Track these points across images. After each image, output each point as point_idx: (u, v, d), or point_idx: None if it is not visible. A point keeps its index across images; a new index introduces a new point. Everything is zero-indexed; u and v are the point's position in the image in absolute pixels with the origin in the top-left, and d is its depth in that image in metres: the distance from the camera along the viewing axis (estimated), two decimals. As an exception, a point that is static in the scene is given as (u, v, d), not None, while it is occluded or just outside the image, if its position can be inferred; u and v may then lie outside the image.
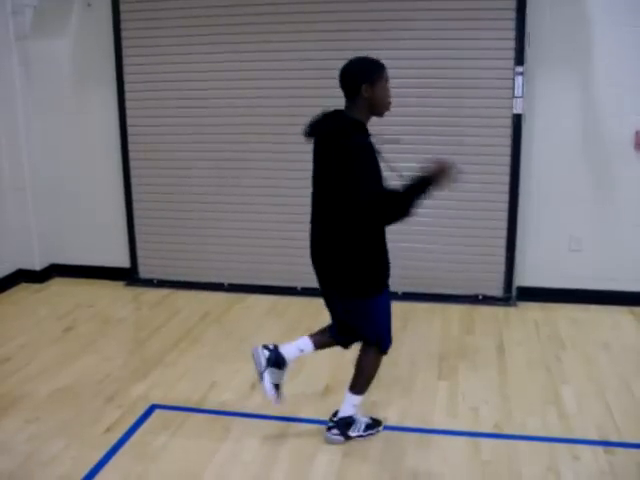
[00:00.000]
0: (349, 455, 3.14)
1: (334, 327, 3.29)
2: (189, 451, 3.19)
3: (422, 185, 2.84)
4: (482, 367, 4.03)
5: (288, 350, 3.24)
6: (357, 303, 3.08)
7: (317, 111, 3.04)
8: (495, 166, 4.90)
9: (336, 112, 2.98)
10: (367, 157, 2.83)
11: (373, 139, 2.92)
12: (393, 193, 2.84)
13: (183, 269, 5.60)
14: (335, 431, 3.24)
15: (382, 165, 2.87)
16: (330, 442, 3.24)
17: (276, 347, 3.24)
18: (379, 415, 3.44)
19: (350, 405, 3.25)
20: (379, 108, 2.97)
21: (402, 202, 2.82)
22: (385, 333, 3.16)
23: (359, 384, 3.23)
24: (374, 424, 3.34)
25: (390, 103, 2.98)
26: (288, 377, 3.28)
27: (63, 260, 5.84)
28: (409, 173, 2.87)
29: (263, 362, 3.19)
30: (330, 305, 3.25)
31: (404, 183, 2.85)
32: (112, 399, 3.68)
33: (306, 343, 3.27)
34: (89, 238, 5.76)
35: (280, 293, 5.30)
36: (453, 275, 5.14)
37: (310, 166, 3.06)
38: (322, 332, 3.33)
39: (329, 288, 3.16)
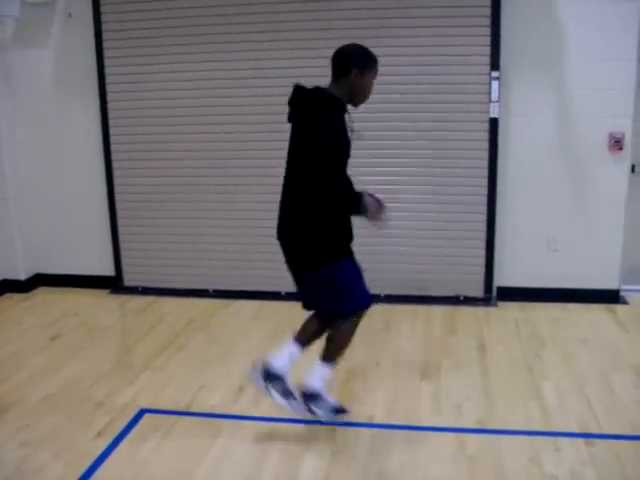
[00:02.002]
0: (337, 454, 3.19)
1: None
2: (180, 454, 3.22)
3: (360, 205, 2.94)
4: (464, 366, 4.11)
5: (278, 362, 3.19)
6: (324, 271, 3.07)
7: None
8: (473, 169, 4.99)
9: (316, 89, 2.98)
10: (337, 137, 2.88)
11: (348, 118, 2.98)
12: (348, 190, 2.94)
13: (168, 276, 5.64)
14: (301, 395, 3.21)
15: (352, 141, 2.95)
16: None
17: (265, 365, 3.19)
18: (365, 413, 3.51)
19: (319, 377, 3.20)
20: (358, 97, 3.02)
21: (349, 203, 2.94)
22: (359, 293, 3.16)
23: (332, 352, 3.18)
24: (341, 410, 3.32)
25: (368, 97, 3.05)
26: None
27: (48, 270, 5.86)
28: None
29: (262, 380, 3.17)
30: (300, 284, 3.25)
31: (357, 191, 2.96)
32: (101, 405, 3.71)
33: (293, 346, 3.22)
34: (73, 247, 5.78)
35: (265, 298, 5.35)
36: (434, 277, 5.22)
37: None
38: (304, 328, 3.29)
39: (296, 264, 3.17)
